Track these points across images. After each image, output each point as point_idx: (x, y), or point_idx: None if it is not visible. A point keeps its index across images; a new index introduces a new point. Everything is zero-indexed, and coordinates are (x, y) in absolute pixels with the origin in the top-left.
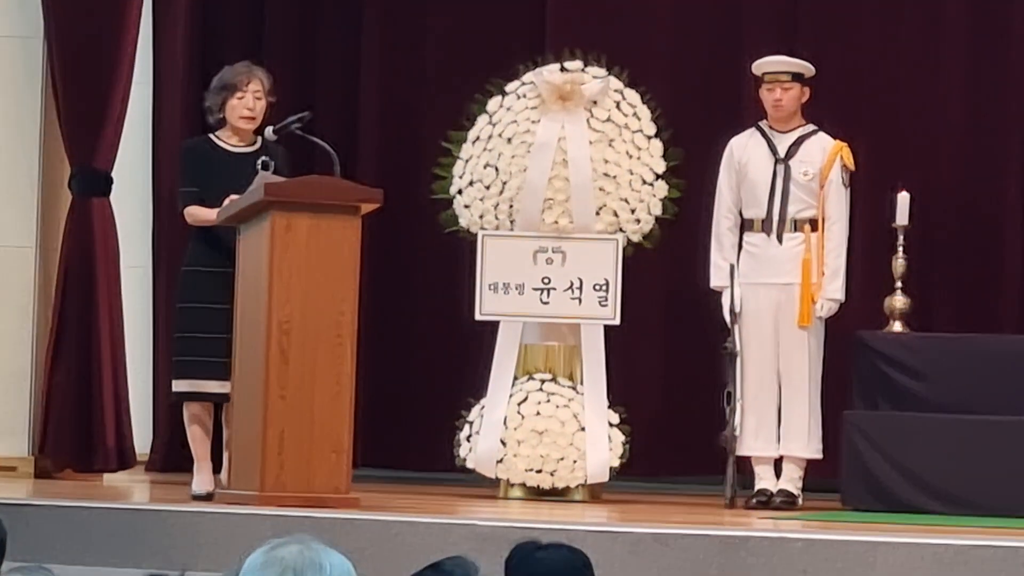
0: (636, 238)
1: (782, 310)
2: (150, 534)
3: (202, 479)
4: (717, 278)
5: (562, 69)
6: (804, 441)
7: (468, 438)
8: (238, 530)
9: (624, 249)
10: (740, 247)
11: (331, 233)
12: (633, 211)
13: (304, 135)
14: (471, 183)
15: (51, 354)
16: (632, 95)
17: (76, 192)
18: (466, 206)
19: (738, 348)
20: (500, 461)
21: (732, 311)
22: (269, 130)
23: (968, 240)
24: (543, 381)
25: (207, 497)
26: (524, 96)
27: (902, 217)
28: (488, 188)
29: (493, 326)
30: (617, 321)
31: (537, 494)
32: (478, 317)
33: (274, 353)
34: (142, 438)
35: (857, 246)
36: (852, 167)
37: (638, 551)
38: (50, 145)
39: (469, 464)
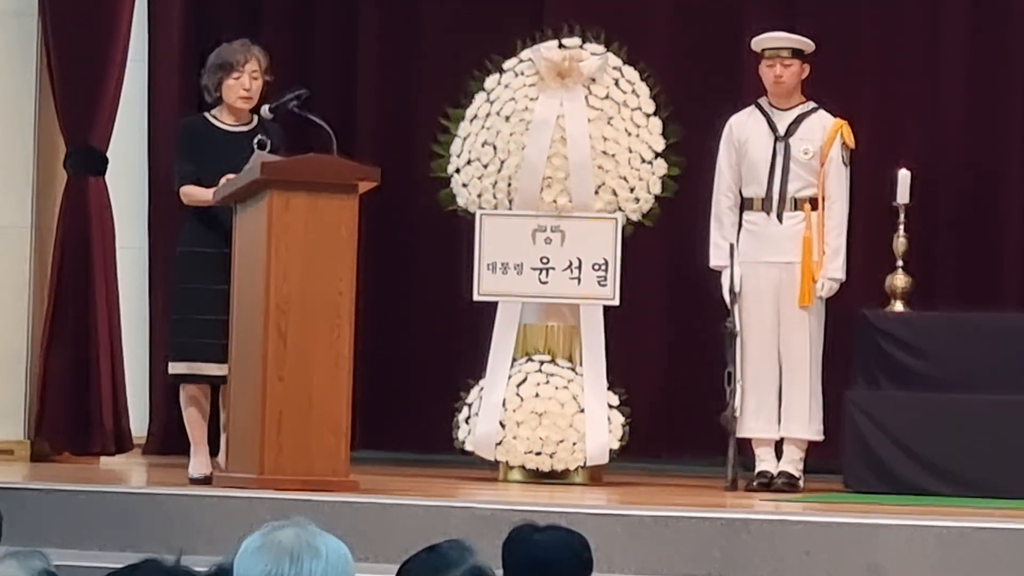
0: (635, 217)
1: (782, 289)
2: (147, 518)
3: (199, 462)
4: (717, 257)
5: (560, 46)
6: (805, 422)
7: (467, 420)
8: (236, 513)
9: (623, 228)
10: (740, 226)
11: (329, 212)
12: (632, 190)
13: (301, 113)
14: (469, 162)
15: (47, 336)
16: (631, 72)
17: (71, 171)
18: (464, 185)
19: (738, 328)
20: (499, 443)
21: (732, 291)
22: (265, 108)
23: (969, 218)
24: (542, 362)
25: (205, 480)
26: (522, 73)
27: (903, 195)
28: (486, 167)
29: (492, 306)
30: (616, 301)
31: (537, 476)
32: (476, 297)
33: (272, 334)
34: (139, 421)
35: (858, 225)
36: (852, 145)
37: (638, 534)
38: (45, 124)
39: (468, 447)
